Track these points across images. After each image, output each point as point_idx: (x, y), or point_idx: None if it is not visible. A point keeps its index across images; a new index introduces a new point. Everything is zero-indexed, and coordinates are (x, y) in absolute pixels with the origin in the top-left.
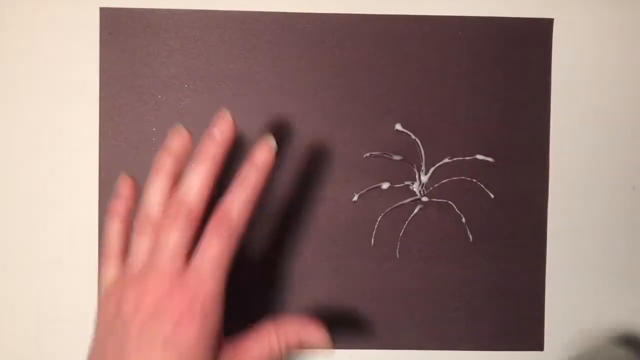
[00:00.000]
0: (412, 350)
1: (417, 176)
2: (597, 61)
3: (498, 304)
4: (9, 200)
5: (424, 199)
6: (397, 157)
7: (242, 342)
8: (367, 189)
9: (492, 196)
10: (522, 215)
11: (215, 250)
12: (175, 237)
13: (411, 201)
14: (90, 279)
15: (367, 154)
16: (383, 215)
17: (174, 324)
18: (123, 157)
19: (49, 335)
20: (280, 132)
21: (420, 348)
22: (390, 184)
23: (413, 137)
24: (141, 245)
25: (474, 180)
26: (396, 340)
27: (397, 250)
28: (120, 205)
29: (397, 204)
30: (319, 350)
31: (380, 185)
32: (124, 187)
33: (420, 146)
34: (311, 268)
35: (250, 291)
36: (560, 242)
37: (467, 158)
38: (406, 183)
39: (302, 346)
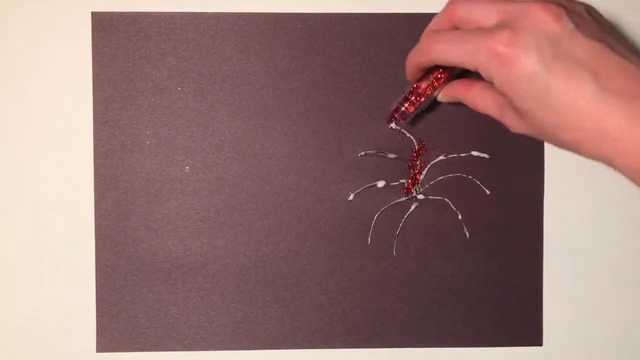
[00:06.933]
0: (410, 348)
1: (412, 174)
2: None
3: (496, 300)
4: (5, 204)
5: (420, 196)
6: (392, 155)
7: None
8: (362, 187)
9: (488, 192)
10: (519, 211)
11: None
12: None
13: (407, 199)
14: (88, 279)
15: (362, 153)
16: (379, 214)
17: None
18: (118, 161)
19: (49, 335)
20: (275, 133)
21: (418, 346)
22: (386, 182)
23: (407, 134)
24: None
25: (470, 177)
26: (395, 338)
27: (394, 249)
28: None
29: (393, 202)
30: None
31: (376, 184)
32: None
33: (415, 144)
34: (308, 268)
35: (247, 291)
36: (557, 237)
37: (462, 155)
38: (402, 181)
39: None
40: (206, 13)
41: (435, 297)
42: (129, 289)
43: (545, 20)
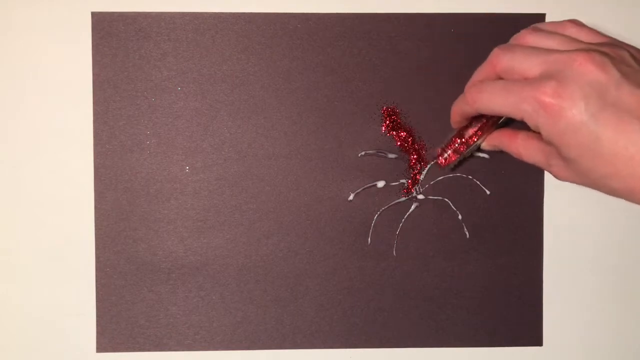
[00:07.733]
0: (410, 348)
1: (412, 174)
2: None
3: (496, 300)
4: (5, 204)
5: (420, 196)
6: (392, 156)
7: None
8: (362, 187)
9: (488, 192)
10: (519, 211)
11: None
12: None
13: (407, 199)
14: (88, 279)
15: (362, 153)
16: (379, 214)
17: None
18: (118, 161)
19: (49, 335)
20: (275, 133)
21: (418, 346)
22: (386, 182)
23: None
24: None
25: (470, 177)
26: (395, 338)
27: (394, 249)
28: None
29: (393, 202)
30: None
31: (376, 184)
32: None
33: (415, 144)
34: (308, 268)
35: (247, 291)
36: (557, 237)
37: None
38: (402, 181)
39: None
40: (206, 13)
41: (435, 297)
42: (129, 289)
43: (591, 70)
